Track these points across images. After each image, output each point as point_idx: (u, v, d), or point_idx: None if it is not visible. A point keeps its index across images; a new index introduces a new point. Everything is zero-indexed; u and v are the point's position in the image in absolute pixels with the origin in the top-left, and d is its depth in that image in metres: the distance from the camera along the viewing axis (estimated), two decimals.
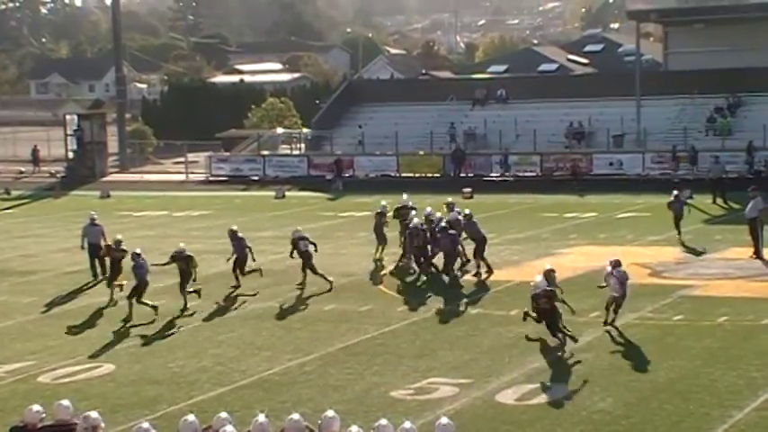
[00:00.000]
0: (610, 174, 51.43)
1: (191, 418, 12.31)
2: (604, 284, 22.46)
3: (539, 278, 20.91)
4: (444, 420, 12.25)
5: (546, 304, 20.50)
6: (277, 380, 19.48)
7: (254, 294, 26.55)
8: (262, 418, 12.37)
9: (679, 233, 33.25)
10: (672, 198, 34.06)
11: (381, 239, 31.14)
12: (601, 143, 54.64)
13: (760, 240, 29.63)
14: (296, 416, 12.50)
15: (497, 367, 19.61)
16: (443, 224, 28.25)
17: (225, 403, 17.30)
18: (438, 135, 57.22)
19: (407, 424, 12.14)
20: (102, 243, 28.82)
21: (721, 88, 54.38)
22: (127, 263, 25.61)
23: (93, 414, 12.39)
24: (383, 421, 12.38)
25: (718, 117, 53.86)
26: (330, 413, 12.50)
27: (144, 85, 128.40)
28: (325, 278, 27.03)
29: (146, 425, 12.47)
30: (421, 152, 55.71)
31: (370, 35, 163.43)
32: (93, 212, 30.71)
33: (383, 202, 32.44)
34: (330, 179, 53.06)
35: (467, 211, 29.40)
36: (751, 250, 29.71)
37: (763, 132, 49.76)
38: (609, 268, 22.40)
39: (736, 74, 54.47)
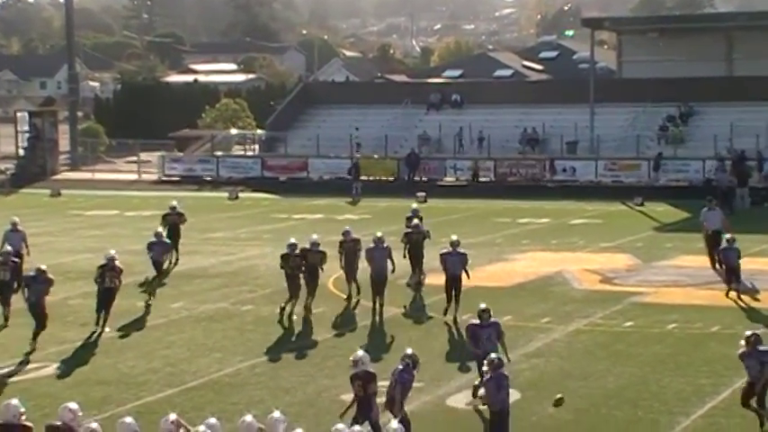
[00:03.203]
0: (563, 180, 51.73)
1: (128, 420, 12.28)
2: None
3: (360, 353, 15.46)
4: (394, 425, 12.26)
5: (360, 390, 14.95)
6: (228, 381, 19.40)
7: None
8: (213, 420, 12.30)
9: (734, 282, 25.95)
10: (725, 244, 26.42)
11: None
12: (554, 150, 54.90)
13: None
14: (249, 417, 12.46)
15: (448, 372, 19.64)
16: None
17: (175, 404, 17.18)
18: (393, 139, 57.23)
19: (357, 427, 12.16)
20: (24, 250, 27.65)
21: (674, 97, 54.85)
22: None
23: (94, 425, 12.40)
24: (339, 425, 12.40)
25: (671, 126, 54.33)
26: (276, 414, 12.48)
27: (97, 84, 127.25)
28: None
29: (94, 425, 12.40)
30: (375, 155, 55.69)
31: (326, 37, 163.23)
32: (15, 218, 29.05)
33: (414, 205, 30.75)
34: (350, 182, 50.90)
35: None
36: (704, 259, 29.43)
37: (713, 142, 50.26)
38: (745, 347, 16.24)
39: (689, 83, 54.94)
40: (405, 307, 25.24)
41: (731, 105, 53.42)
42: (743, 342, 16.23)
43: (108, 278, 23.00)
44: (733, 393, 18.17)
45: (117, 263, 23.15)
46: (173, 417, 12.48)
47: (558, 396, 16.10)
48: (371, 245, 24.92)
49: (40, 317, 21.86)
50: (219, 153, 60.52)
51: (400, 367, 15.12)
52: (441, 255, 24.12)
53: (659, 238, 35.97)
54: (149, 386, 19.12)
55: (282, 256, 24.68)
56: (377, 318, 24.04)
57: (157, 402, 17.89)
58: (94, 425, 12.38)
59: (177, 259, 30.99)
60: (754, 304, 25.07)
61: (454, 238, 24.48)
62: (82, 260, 31.52)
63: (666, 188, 48.50)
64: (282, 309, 24.46)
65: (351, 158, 54.50)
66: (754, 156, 48.19)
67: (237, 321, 24.19)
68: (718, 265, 27.96)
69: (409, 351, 15.42)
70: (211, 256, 32.54)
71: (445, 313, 23.77)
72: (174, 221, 31.43)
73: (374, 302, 24.38)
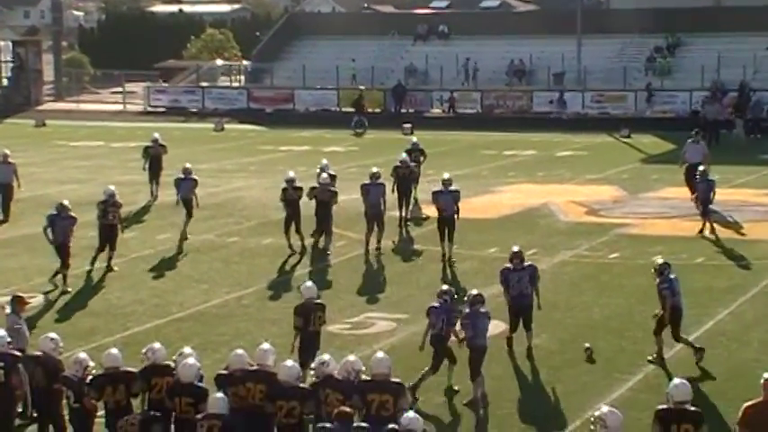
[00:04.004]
0: (550, 112, 51.59)
1: (113, 351, 12.43)
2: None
3: (308, 283, 15.79)
4: (380, 354, 12.35)
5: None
6: (215, 313, 19.48)
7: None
8: (188, 350, 12.41)
9: (705, 218, 25.37)
10: (697, 176, 25.83)
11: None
12: (541, 81, 54.73)
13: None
14: (240, 351, 12.57)
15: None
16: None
17: (162, 335, 17.25)
18: (379, 70, 56.93)
19: (352, 357, 12.27)
20: (15, 182, 27.68)
21: (661, 28, 54.59)
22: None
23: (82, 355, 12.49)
24: (326, 356, 12.50)
25: (658, 57, 54.16)
26: (265, 346, 12.57)
27: (81, 13, 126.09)
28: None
29: (82, 355, 12.47)
30: (362, 87, 55.42)
31: None
32: (5, 149, 28.73)
33: (414, 139, 30.68)
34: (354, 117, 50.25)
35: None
36: (686, 191, 29.36)
37: (701, 73, 50.14)
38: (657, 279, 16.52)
39: (677, 14, 54.68)
40: (393, 242, 25.23)
41: (719, 36, 53.21)
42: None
43: (111, 214, 22.50)
44: (716, 324, 18.39)
45: (117, 198, 22.76)
46: (157, 345, 12.64)
47: (587, 347, 16.72)
48: (367, 180, 24.27)
49: (65, 255, 21.25)
50: (205, 84, 60.19)
51: (436, 305, 15.09)
52: (433, 193, 23.57)
53: (645, 169, 36.03)
54: (136, 317, 19.20)
55: (283, 190, 24.10)
56: (365, 251, 23.93)
57: (144, 333, 17.97)
58: (82, 355, 12.46)
59: (157, 195, 30.78)
60: (736, 236, 25.20)
61: (446, 175, 23.62)
62: (68, 191, 31.39)
63: (653, 120, 48.46)
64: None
65: (337, 90, 54.19)
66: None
67: (224, 253, 24.23)
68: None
69: (445, 287, 15.53)
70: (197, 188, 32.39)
71: (444, 257, 22.88)
72: (156, 153, 31.28)
73: (367, 239, 23.92)
